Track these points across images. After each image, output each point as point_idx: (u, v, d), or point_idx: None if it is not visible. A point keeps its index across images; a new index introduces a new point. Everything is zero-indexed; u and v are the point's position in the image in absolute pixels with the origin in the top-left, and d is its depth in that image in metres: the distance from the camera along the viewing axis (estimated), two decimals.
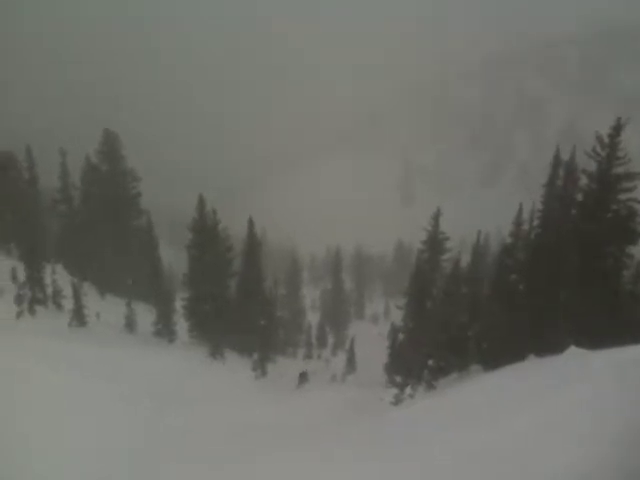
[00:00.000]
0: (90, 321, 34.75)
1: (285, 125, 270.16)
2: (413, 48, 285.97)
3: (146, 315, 39.44)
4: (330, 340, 72.26)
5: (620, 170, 24.17)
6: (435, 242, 37.58)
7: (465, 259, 37.21)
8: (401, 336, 40.31)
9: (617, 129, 23.74)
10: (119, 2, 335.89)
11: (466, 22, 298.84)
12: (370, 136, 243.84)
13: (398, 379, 32.16)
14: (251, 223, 42.75)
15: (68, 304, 34.81)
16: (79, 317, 33.88)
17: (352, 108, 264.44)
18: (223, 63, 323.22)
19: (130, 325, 37.13)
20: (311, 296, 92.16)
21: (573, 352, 16.90)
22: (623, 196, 24.46)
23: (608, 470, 7.92)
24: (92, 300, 38.80)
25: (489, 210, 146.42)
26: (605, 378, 12.14)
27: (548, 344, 21.33)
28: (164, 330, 38.27)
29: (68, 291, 35.13)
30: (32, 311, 33.01)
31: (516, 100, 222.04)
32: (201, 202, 38.54)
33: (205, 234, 39.13)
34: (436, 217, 36.97)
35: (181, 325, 39.84)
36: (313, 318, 75.23)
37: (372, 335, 71.28)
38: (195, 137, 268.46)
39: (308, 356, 60.72)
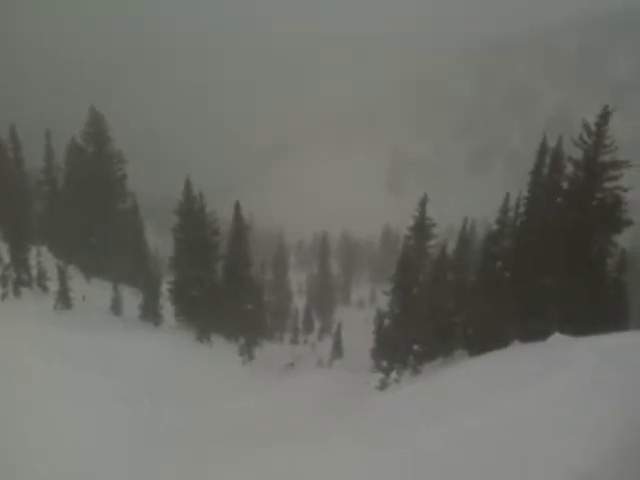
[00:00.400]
0: (76, 304, 34.50)
1: (277, 120, 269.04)
2: (406, 36, 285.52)
3: (132, 298, 39.28)
4: (316, 325, 72.49)
5: (606, 158, 24.32)
6: (422, 228, 37.53)
7: (452, 246, 37.33)
8: (387, 322, 40.45)
9: (604, 117, 23.85)
10: (119, 3, 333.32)
11: (461, 9, 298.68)
12: (359, 124, 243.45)
13: (384, 364, 32.37)
14: (237, 206, 42.49)
15: (53, 286, 34.55)
16: (64, 299, 33.63)
17: (341, 97, 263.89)
18: (222, 58, 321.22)
19: (116, 308, 36.93)
20: (298, 281, 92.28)
21: (557, 338, 17.07)
22: (609, 184, 24.63)
23: (592, 455, 8.04)
24: (78, 283, 38.47)
25: (477, 198, 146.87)
26: (588, 365, 12.29)
27: (533, 331, 21.54)
28: (150, 313, 38.07)
29: (53, 274, 34.85)
30: (17, 293, 32.74)
31: (508, 88, 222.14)
32: (187, 185, 38.23)
33: (191, 217, 38.85)
34: (423, 203, 36.90)
35: (167, 309, 39.70)
36: (300, 303, 75.36)
37: (358, 320, 71.47)
38: (188, 127, 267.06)
39: (294, 341, 60.96)
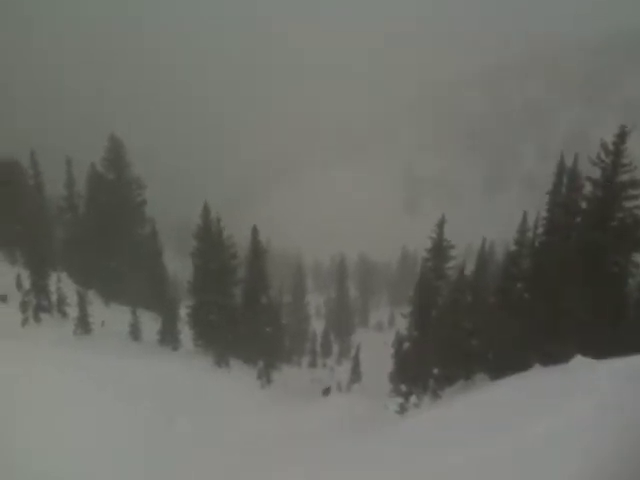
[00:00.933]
0: (95, 329, 34.80)
1: (291, 137, 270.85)
2: (416, 58, 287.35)
3: (151, 323, 39.45)
4: (335, 348, 72.13)
5: (625, 177, 24.09)
6: (440, 250, 37.38)
7: (470, 267, 37.07)
8: (406, 345, 40.13)
9: (622, 136, 23.68)
10: (119, 3, 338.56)
11: (471, 30, 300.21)
12: (374, 146, 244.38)
13: (403, 388, 32.04)
14: (255, 231, 42.65)
15: (73, 312, 34.86)
16: (84, 325, 33.92)
17: (356, 119, 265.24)
18: (228, 78, 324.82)
19: (135, 333, 37.09)
20: (316, 304, 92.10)
21: (579, 361, 16.76)
22: (628, 204, 24.36)
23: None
24: (97, 308, 38.81)
25: (494, 218, 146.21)
26: (610, 389, 12.05)
27: (554, 353, 21.21)
28: (169, 338, 38.20)
29: (73, 299, 35.20)
30: (37, 318, 33.11)
31: (521, 107, 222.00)
32: (205, 210, 38.54)
33: (209, 242, 39.09)
34: (441, 225, 36.81)
35: (186, 333, 39.77)
36: (318, 326, 75.13)
37: (377, 343, 71.00)
38: (202, 148, 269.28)
39: (313, 364, 60.64)
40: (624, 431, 9.46)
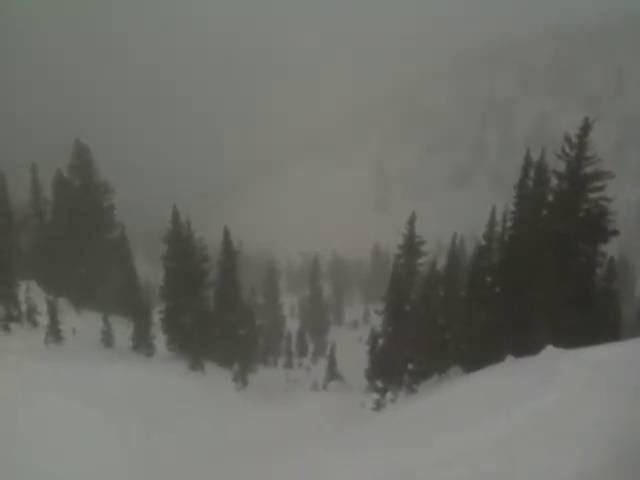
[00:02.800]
0: (66, 337, 34.19)
1: (259, 136, 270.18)
2: (384, 57, 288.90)
3: (123, 329, 38.92)
4: (310, 347, 72.15)
5: (590, 169, 24.53)
6: (411, 246, 37.69)
7: (441, 262, 37.41)
8: (381, 341, 40.35)
9: (585, 129, 24.10)
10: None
11: (438, 26, 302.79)
12: (342, 143, 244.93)
13: (379, 384, 32.19)
14: (226, 232, 42.51)
15: (43, 321, 34.24)
16: (55, 333, 33.32)
17: (324, 114, 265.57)
18: (207, 79, 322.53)
19: (107, 340, 36.56)
20: (290, 304, 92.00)
21: (550, 352, 17.06)
22: (593, 195, 24.83)
23: (585, 469, 8.00)
24: (68, 316, 38.19)
25: (464, 213, 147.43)
26: (579, 378, 12.28)
27: (525, 344, 21.53)
28: (142, 344, 37.79)
29: (43, 307, 34.61)
30: (7, 328, 32.46)
31: (486, 102, 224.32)
32: (175, 213, 38.24)
33: (180, 245, 38.80)
34: (411, 221, 37.12)
35: (159, 338, 39.43)
36: (292, 326, 75.08)
37: (352, 341, 71.34)
38: (171, 150, 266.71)
39: (289, 365, 60.57)
40: (593, 419, 9.65)
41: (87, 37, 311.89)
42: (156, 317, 40.10)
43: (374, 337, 42.87)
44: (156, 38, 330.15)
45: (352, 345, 65.84)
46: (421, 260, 38.27)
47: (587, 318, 23.38)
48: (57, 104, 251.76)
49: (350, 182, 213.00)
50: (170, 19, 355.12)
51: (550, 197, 26.87)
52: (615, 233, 25.08)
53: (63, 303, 42.35)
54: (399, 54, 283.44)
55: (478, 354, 26.20)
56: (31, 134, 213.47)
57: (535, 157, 28.94)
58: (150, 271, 74.97)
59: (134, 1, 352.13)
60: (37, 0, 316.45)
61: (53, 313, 33.00)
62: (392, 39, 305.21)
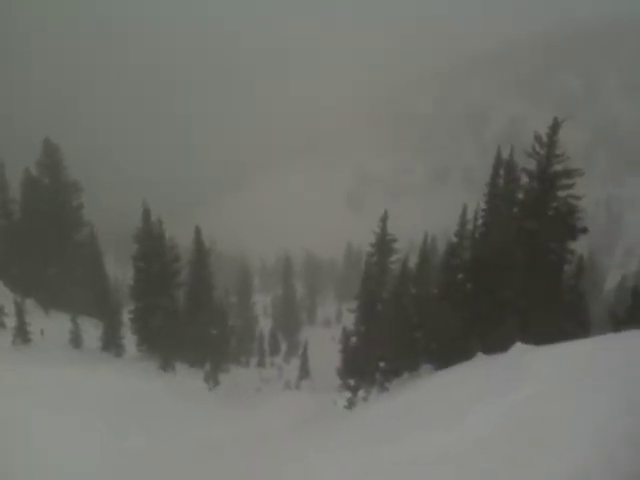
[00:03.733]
0: (34, 338, 33.57)
1: (234, 137, 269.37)
2: (366, 62, 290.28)
3: (93, 330, 38.39)
4: (283, 347, 71.97)
5: (559, 168, 24.78)
6: (383, 244, 37.78)
7: (413, 260, 37.52)
8: (353, 339, 40.35)
9: (554, 128, 24.34)
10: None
11: (420, 32, 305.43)
12: (319, 145, 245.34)
13: (351, 383, 32.13)
14: (198, 231, 42.12)
15: (11, 322, 33.57)
16: (22, 335, 32.68)
17: (301, 115, 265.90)
18: (175, 78, 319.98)
19: (76, 340, 35.96)
20: (263, 303, 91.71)
21: (519, 348, 17.13)
22: (562, 193, 25.08)
23: (559, 464, 8.00)
24: (36, 317, 37.54)
25: (437, 212, 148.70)
26: (548, 374, 12.33)
27: (495, 341, 21.63)
28: (111, 344, 37.28)
29: (10, 309, 33.92)
30: None
31: (462, 105, 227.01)
32: (146, 212, 37.73)
33: (150, 244, 38.31)
34: (384, 220, 37.20)
35: (129, 339, 38.91)
36: (265, 325, 74.86)
37: (325, 340, 71.28)
38: (146, 150, 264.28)
39: (261, 364, 60.34)
40: (564, 414, 9.67)
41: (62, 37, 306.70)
42: (126, 317, 39.56)
43: (346, 336, 42.88)
44: (140, 36, 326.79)
45: (325, 344, 65.77)
46: (393, 258, 38.37)
47: (556, 315, 23.59)
48: (24, 102, 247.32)
49: (324, 182, 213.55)
50: (150, 19, 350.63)
51: (520, 195, 27.09)
52: (584, 231, 25.35)
53: (31, 304, 41.70)
54: (381, 57, 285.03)
55: (449, 352, 26.25)
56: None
57: (507, 157, 29.20)
58: (120, 271, 74.07)
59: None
60: None
61: (20, 314, 32.39)
62: (376, 45, 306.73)
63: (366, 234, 45.58)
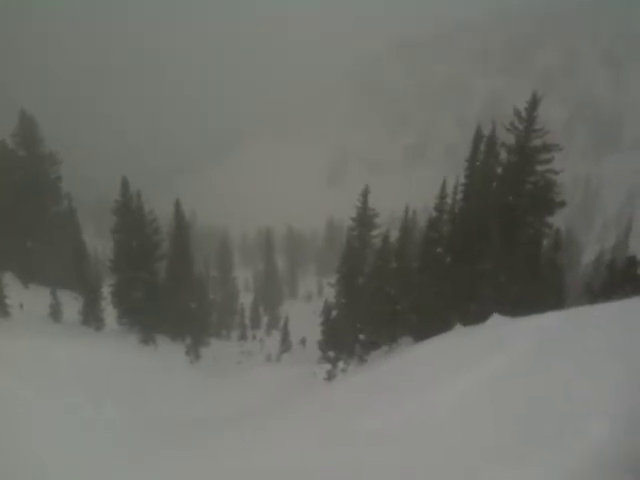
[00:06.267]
0: (13, 312, 33.37)
1: (214, 109, 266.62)
2: (341, 33, 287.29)
3: (73, 303, 38.12)
4: (264, 320, 72.25)
5: (537, 142, 24.97)
6: (364, 219, 37.86)
7: (394, 235, 37.69)
8: (334, 313, 40.62)
9: (533, 103, 24.47)
10: None
11: (395, 4, 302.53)
12: (298, 119, 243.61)
13: (331, 355, 32.46)
14: (178, 204, 41.89)
15: None
16: (1, 308, 32.47)
17: (280, 92, 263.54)
18: (159, 47, 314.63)
19: (55, 314, 35.76)
20: (244, 277, 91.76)
21: (496, 320, 17.39)
22: (541, 168, 25.33)
23: (526, 435, 8.20)
24: (15, 290, 37.10)
25: (418, 186, 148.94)
26: (523, 345, 12.55)
27: (473, 313, 21.95)
28: (91, 318, 37.13)
29: None
30: None
31: (442, 80, 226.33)
32: (124, 184, 37.37)
33: (129, 217, 38.03)
34: (365, 194, 37.22)
35: (109, 312, 38.79)
36: (247, 299, 74.96)
37: (306, 313, 71.61)
38: (126, 121, 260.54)
39: (243, 337, 60.57)
40: (536, 384, 9.89)
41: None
42: (106, 291, 39.36)
43: (327, 309, 43.12)
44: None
45: (306, 318, 66.07)
46: (374, 232, 38.50)
47: (533, 288, 23.94)
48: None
49: (306, 157, 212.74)
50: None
51: (499, 170, 27.28)
52: (561, 205, 25.68)
53: (9, 277, 41.25)
54: (355, 35, 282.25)
55: (428, 324, 26.59)
56: None
57: (488, 132, 29.27)
58: (100, 244, 73.52)
59: None
60: None
61: None
62: (348, 20, 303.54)
63: (347, 208, 45.70)
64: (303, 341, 55.08)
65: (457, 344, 17.18)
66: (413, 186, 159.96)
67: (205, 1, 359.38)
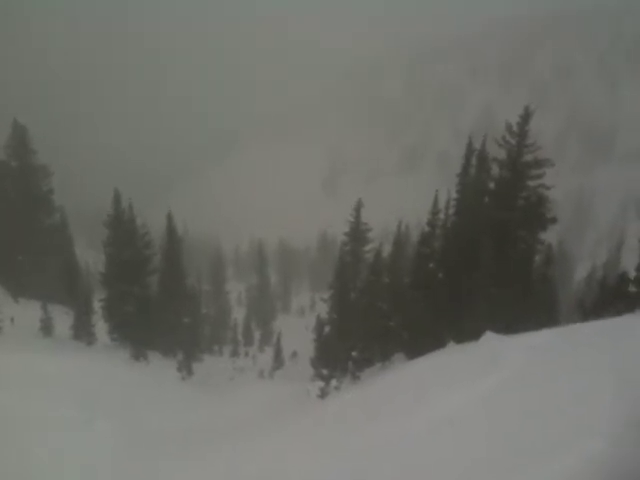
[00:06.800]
0: (3, 326, 33.06)
1: (208, 118, 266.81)
2: (340, 39, 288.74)
3: (64, 318, 37.80)
4: (257, 336, 71.87)
5: (529, 157, 24.99)
6: (357, 233, 37.82)
7: (387, 249, 37.62)
8: (327, 329, 40.42)
9: (525, 117, 24.50)
10: None
11: (390, 15, 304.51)
12: (293, 128, 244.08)
13: (324, 372, 32.21)
14: (170, 218, 41.77)
15: None
16: None
17: (275, 98, 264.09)
18: (159, 46, 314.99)
19: (46, 329, 35.39)
20: (237, 291, 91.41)
21: (489, 338, 17.29)
22: (533, 183, 25.34)
23: (518, 450, 8.09)
24: (5, 304, 36.97)
25: (411, 199, 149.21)
26: (517, 363, 12.47)
27: (466, 330, 21.83)
28: (82, 332, 36.75)
29: None
30: None
31: (437, 90, 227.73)
32: (116, 197, 37.24)
33: (121, 230, 37.85)
34: (358, 208, 37.20)
35: (101, 327, 38.47)
36: (239, 314, 74.63)
37: (299, 329, 71.32)
38: (119, 133, 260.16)
39: (235, 353, 60.18)
40: (529, 401, 9.79)
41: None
42: (97, 305, 39.08)
43: (320, 325, 42.90)
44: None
45: (299, 333, 65.81)
46: (367, 247, 38.44)
47: (526, 304, 23.89)
48: None
49: (300, 169, 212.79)
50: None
51: (491, 185, 27.28)
52: (553, 221, 25.67)
53: (0, 291, 40.93)
54: (353, 41, 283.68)
55: (421, 340, 26.45)
56: None
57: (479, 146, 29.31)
58: (92, 257, 73.18)
59: None
60: None
61: None
62: (347, 28, 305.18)
63: (340, 221, 45.62)
64: (294, 354, 54.79)
65: (450, 361, 17.09)
66: (407, 196, 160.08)
67: (205, 1, 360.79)
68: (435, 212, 30.29)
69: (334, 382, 29.15)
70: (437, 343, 22.73)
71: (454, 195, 30.05)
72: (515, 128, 24.77)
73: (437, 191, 30.02)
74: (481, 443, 9.08)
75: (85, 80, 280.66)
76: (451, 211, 30.26)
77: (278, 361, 53.21)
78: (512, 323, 19.31)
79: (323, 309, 46.68)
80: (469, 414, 10.85)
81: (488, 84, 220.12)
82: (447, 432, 10.42)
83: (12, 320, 34.88)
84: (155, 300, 41.11)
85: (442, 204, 30.58)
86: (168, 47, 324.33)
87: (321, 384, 29.19)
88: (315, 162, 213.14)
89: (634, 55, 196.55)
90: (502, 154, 25.86)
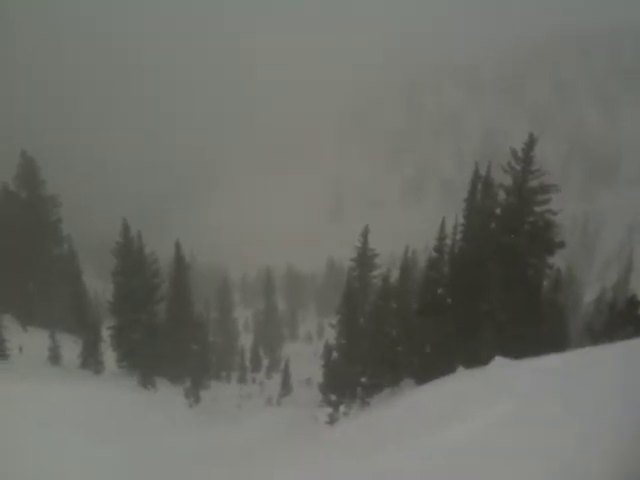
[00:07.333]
0: (12, 354, 33.16)
1: (213, 143, 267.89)
2: (341, 69, 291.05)
3: (72, 346, 37.86)
4: (264, 362, 71.58)
5: (535, 183, 25.10)
6: (365, 259, 37.97)
7: (395, 275, 37.67)
8: (335, 355, 40.33)
9: (530, 143, 24.68)
10: None
11: (394, 41, 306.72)
12: (296, 155, 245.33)
13: (333, 398, 32.11)
14: (178, 246, 42.00)
15: None
16: (0, 351, 32.27)
17: (278, 128, 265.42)
18: (151, 79, 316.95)
19: (54, 357, 35.47)
20: (244, 318, 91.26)
21: (498, 363, 17.24)
22: (539, 208, 25.40)
23: (530, 475, 8.09)
24: (14, 333, 36.98)
25: (419, 225, 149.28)
26: (527, 388, 12.44)
27: (475, 355, 21.76)
28: (91, 361, 36.78)
29: None
30: None
31: (439, 118, 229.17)
32: (125, 227, 37.55)
33: (130, 259, 38.08)
34: (365, 234, 37.40)
35: (109, 355, 38.49)
36: (246, 340, 74.41)
37: (307, 355, 71.06)
38: (123, 163, 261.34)
39: (242, 380, 59.89)
40: (542, 426, 9.76)
41: None
42: (105, 333, 39.15)
43: (328, 350, 42.78)
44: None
45: (307, 359, 65.56)
46: (374, 273, 38.53)
47: (535, 329, 23.81)
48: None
49: (305, 196, 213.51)
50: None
51: (498, 210, 27.38)
52: (561, 245, 25.68)
53: (8, 320, 41.05)
54: (353, 71, 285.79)
55: (429, 366, 26.38)
56: None
57: (484, 172, 29.52)
58: (100, 285, 73.42)
59: None
60: None
61: None
62: (347, 61, 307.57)
63: (347, 247, 45.75)
64: (308, 381, 54.58)
65: (460, 388, 17.02)
66: (413, 223, 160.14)
67: (205, 17, 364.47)
68: (442, 238, 30.42)
69: (343, 408, 29.08)
70: (446, 368, 22.64)
71: (461, 221, 30.19)
72: (520, 154, 24.94)
73: (444, 217, 30.21)
74: (487, 475, 9.05)
75: (87, 93, 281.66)
76: (458, 237, 30.37)
77: (286, 388, 52.89)
78: (522, 347, 19.25)
79: (331, 335, 46.62)
80: (476, 444, 10.80)
81: (489, 111, 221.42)
82: (453, 462, 10.38)
83: (20, 349, 34.97)
84: (163, 328, 41.16)
85: (449, 230, 30.71)
86: (169, 63, 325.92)
87: (329, 410, 29.12)
88: (320, 191, 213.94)
89: (634, 76, 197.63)
90: (508, 180, 25.99)
